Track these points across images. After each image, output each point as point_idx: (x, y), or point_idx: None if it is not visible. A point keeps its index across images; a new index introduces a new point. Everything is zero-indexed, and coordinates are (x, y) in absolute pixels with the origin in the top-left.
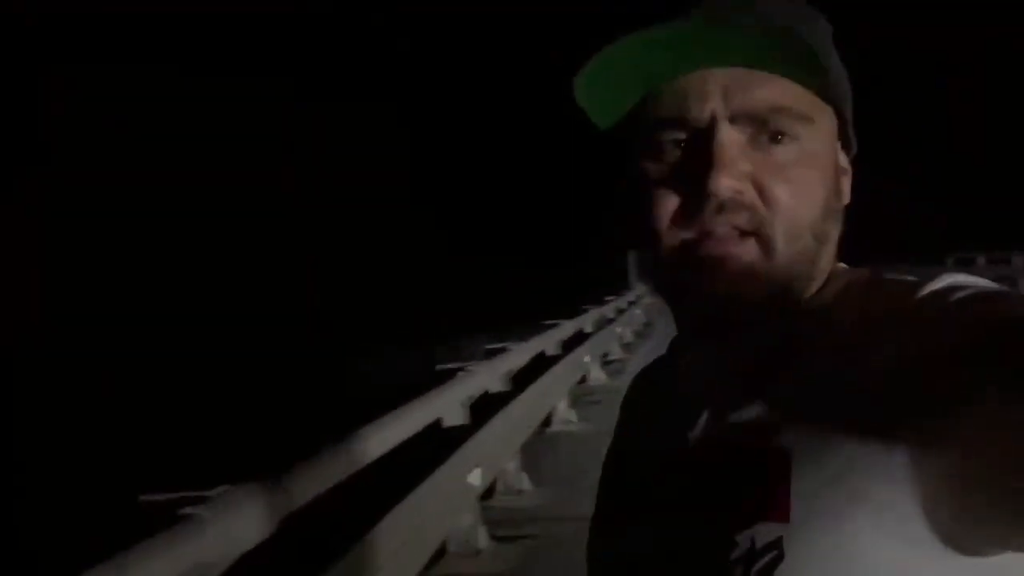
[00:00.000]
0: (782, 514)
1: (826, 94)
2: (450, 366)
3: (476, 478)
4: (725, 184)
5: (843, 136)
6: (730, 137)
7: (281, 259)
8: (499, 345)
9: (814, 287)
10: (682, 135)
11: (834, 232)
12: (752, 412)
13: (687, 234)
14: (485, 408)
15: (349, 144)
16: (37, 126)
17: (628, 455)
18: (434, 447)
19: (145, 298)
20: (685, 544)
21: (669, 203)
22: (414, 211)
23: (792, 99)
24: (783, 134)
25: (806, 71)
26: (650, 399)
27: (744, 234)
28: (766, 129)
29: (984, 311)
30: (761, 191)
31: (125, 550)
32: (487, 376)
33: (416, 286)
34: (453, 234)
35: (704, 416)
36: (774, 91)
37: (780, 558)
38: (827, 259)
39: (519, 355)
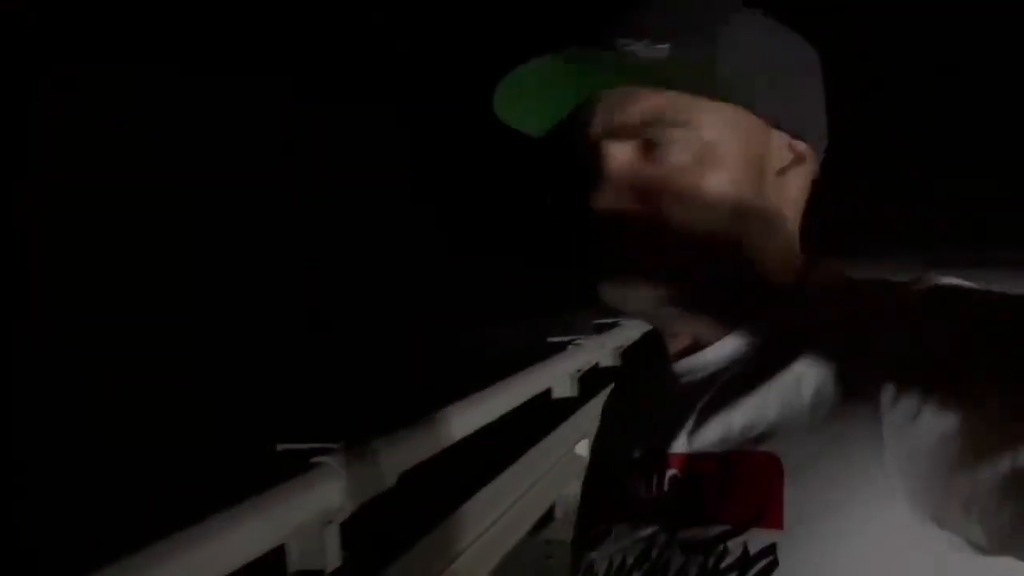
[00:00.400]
0: (775, 520)
1: (716, 94)
2: (561, 339)
3: (583, 448)
4: (605, 201)
5: (781, 127)
6: (613, 155)
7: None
8: (609, 320)
9: (767, 287)
10: (583, 155)
11: (769, 229)
12: (742, 417)
13: (597, 248)
14: (593, 380)
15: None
16: (37, 125)
17: (614, 460)
18: (545, 416)
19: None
20: (676, 551)
21: (582, 228)
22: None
23: (669, 110)
24: (663, 145)
25: (687, 81)
26: (634, 403)
27: (643, 245)
28: (648, 142)
29: (975, 313)
30: (648, 202)
31: (259, 494)
32: (596, 350)
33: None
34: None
35: (692, 421)
36: (647, 103)
37: (774, 564)
38: (775, 257)
39: (629, 330)
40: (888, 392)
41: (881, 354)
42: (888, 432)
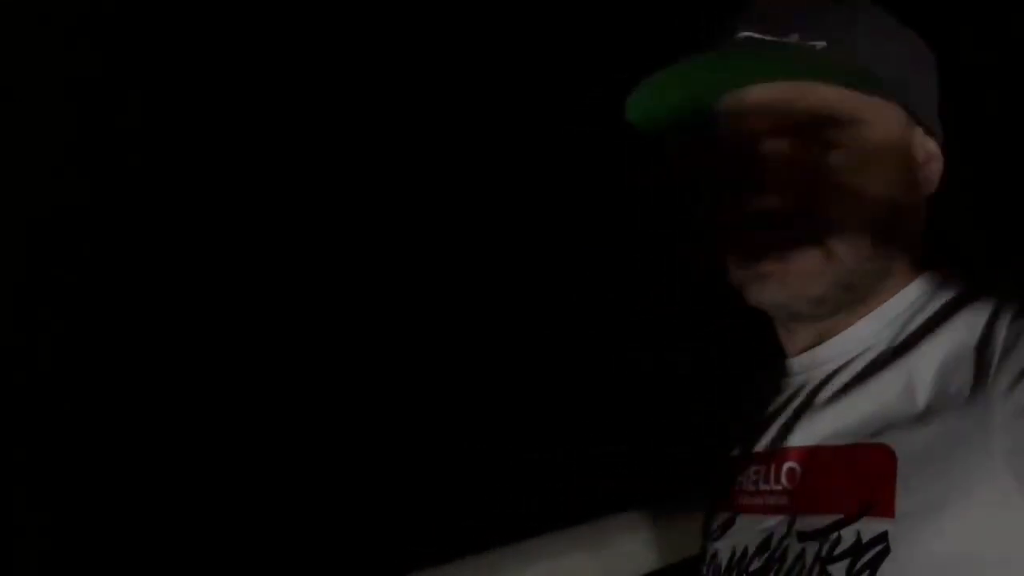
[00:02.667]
0: (887, 509)
1: (880, 91)
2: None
3: None
4: (769, 198)
5: (920, 124)
6: (777, 150)
7: None
8: None
9: (891, 284)
10: (735, 151)
11: (909, 225)
12: (858, 410)
13: (749, 248)
14: None
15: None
16: None
17: (737, 454)
18: None
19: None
20: (794, 539)
21: (728, 219)
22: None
23: (837, 105)
24: (831, 141)
25: (852, 77)
26: (755, 400)
27: (803, 244)
28: (815, 138)
29: None
30: (814, 200)
31: None
32: None
33: None
34: None
35: (809, 415)
36: (818, 100)
37: (886, 552)
38: (906, 253)
39: None
40: (1000, 385)
41: (993, 349)
42: (998, 425)
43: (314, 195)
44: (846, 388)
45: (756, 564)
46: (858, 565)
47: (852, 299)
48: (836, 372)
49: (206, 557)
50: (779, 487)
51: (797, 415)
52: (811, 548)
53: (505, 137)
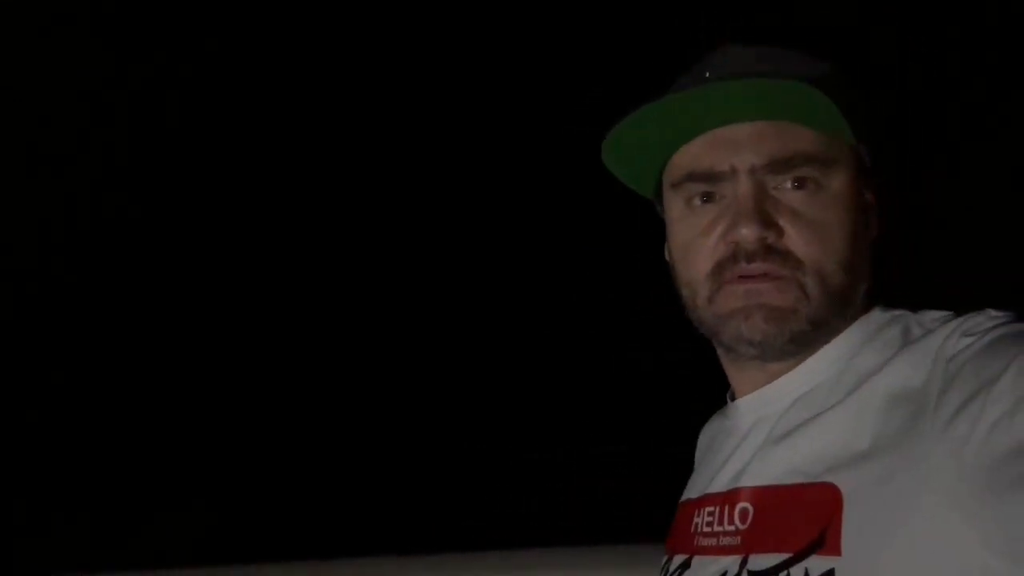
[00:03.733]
0: (834, 547)
1: (849, 136)
2: None
3: None
4: (751, 233)
5: (868, 170)
6: (755, 187)
7: None
8: None
9: (848, 323)
10: (711, 188)
11: (865, 266)
12: (805, 448)
13: (725, 282)
14: None
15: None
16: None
17: (693, 496)
18: None
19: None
20: None
21: (704, 253)
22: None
23: (813, 146)
24: (806, 180)
25: (826, 119)
26: (711, 442)
27: (778, 279)
28: (789, 177)
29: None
30: (789, 237)
31: None
32: None
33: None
34: None
35: (759, 455)
36: (796, 141)
37: None
38: (861, 292)
39: None
40: (937, 424)
41: (932, 388)
42: (937, 464)
43: (314, 195)
44: (795, 428)
45: None
46: None
47: (815, 338)
48: (785, 411)
49: (204, 551)
50: (732, 528)
51: (748, 456)
52: None
53: (504, 137)
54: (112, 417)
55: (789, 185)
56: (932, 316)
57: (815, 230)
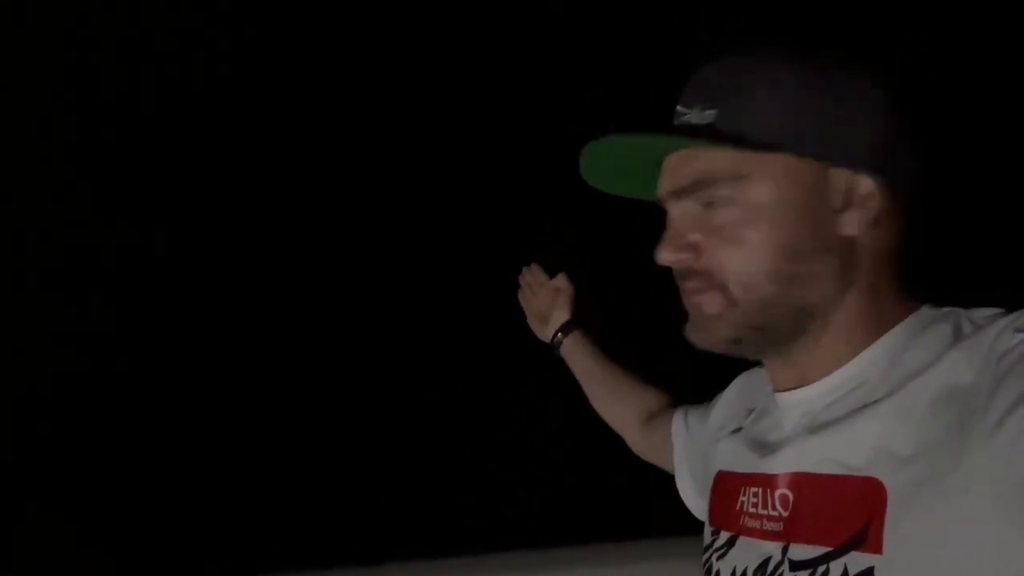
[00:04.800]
0: (875, 545)
1: (759, 148)
2: None
3: None
4: (666, 257)
5: (847, 166)
6: (677, 213)
7: None
8: None
9: (822, 323)
10: (664, 213)
11: (814, 268)
12: (848, 442)
13: (681, 297)
14: None
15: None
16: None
17: (734, 474)
18: None
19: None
20: (787, 567)
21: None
22: None
23: (720, 166)
24: (718, 198)
25: (725, 140)
26: (750, 421)
27: (705, 291)
28: (699, 199)
29: None
30: (707, 255)
31: None
32: None
33: None
34: None
35: (798, 443)
36: (699, 164)
37: None
38: (819, 293)
39: None
40: (986, 426)
41: (980, 389)
42: (986, 466)
43: (314, 195)
44: (838, 418)
45: None
46: None
47: (777, 338)
48: (829, 404)
49: (201, 554)
50: (775, 513)
51: (791, 441)
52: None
53: (504, 137)
54: (112, 417)
55: (701, 206)
56: (983, 313)
57: (731, 244)
